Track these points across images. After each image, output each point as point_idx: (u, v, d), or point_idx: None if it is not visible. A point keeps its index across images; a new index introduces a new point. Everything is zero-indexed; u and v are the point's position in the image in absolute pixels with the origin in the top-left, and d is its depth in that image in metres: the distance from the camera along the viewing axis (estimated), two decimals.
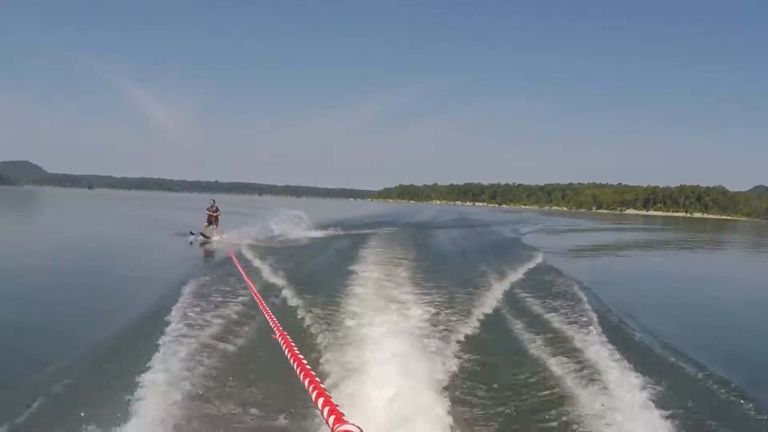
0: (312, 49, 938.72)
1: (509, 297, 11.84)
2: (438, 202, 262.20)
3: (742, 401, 6.54)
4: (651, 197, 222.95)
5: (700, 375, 7.34)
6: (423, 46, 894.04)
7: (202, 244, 22.76)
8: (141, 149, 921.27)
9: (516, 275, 14.97)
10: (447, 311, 9.89)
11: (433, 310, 9.81)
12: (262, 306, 6.08)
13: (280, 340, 4.17)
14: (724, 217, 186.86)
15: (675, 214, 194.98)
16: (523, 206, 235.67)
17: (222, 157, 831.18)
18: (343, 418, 2.61)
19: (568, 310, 10.53)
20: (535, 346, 8.11)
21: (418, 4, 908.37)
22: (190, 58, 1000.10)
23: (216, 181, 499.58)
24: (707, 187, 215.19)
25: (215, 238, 23.35)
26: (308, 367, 3.36)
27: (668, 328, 10.17)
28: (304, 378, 3.23)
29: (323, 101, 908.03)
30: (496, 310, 10.46)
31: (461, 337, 8.23)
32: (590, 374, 6.75)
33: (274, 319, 5.01)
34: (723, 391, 6.84)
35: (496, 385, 6.51)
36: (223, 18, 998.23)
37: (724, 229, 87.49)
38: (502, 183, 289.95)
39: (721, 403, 6.53)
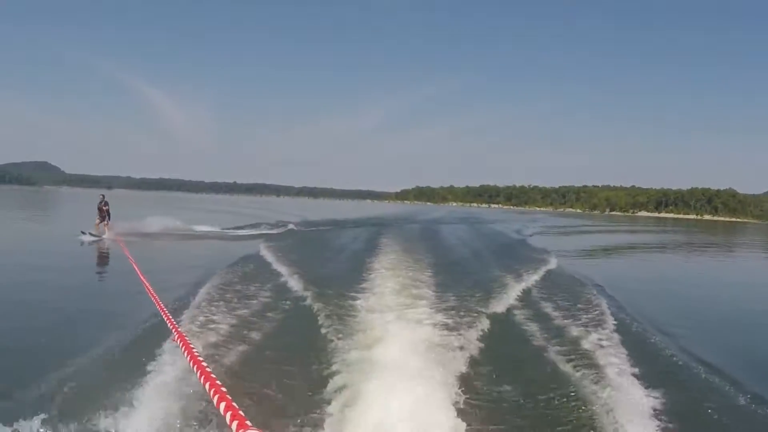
0: (326, 49, 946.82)
1: (520, 298, 11.61)
2: (454, 203, 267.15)
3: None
4: (662, 199, 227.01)
5: (717, 381, 7.12)
6: (438, 45, 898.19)
7: (93, 242, 21.54)
8: (160, 151, 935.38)
9: (527, 276, 14.71)
10: (454, 313, 9.56)
11: (440, 312, 9.53)
12: (160, 307, 5.69)
13: (178, 342, 3.90)
14: (733, 219, 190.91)
15: (686, 216, 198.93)
16: (537, 208, 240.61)
17: (240, 159, 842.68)
18: (247, 422, 2.53)
19: (581, 313, 10.33)
20: (547, 350, 7.99)
21: (431, 6, 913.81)
22: (205, 60, 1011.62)
23: (234, 182, 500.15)
24: (717, 190, 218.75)
25: (105, 235, 22.47)
26: (208, 370, 3.18)
27: (685, 332, 10.05)
28: (205, 381, 3.01)
29: (337, 102, 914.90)
30: (506, 312, 10.30)
31: (470, 341, 7.97)
32: (602, 379, 6.60)
33: (172, 320, 4.79)
34: (741, 398, 6.61)
35: (506, 390, 6.40)
36: (238, 20, 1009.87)
37: (734, 231, 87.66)
38: (518, 185, 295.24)
39: (739, 412, 6.28)
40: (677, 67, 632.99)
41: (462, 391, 6.12)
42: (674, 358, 8.08)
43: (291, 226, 34.80)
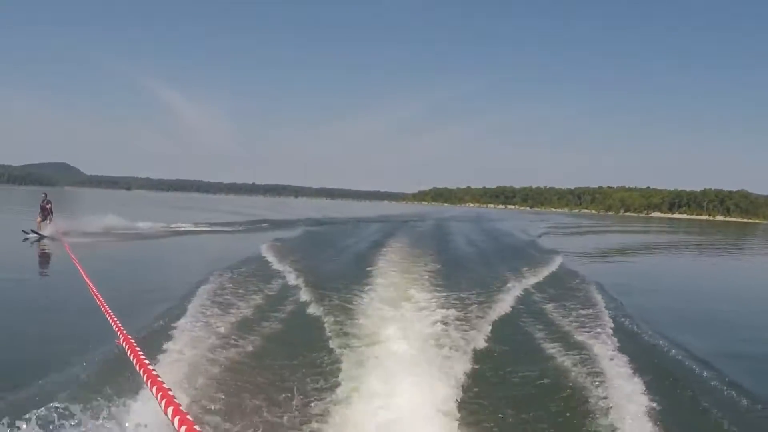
0: (344, 49, 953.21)
1: (524, 298, 11.73)
2: (471, 204, 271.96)
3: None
4: (676, 200, 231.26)
5: (718, 382, 7.11)
6: (457, 46, 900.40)
7: (36, 241, 21.63)
8: (178, 152, 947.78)
9: (531, 276, 14.79)
10: (458, 312, 9.64)
11: (444, 311, 9.61)
12: (104, 308, 5.64)
13: (124, 345, 3.87)
14: (745, 220, 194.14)
15: (699, 217, 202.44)
16: (553, 209, 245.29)
17: (259, 161, 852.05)
18: (195, 427, 2.49)
19: (586, 315, 10.27)
20: (548, 350, 8.04)
21: (450, 6, 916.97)
22: (222, 60, 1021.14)
23: (253, 184, 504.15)
24: (730, 191, 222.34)
25: (47, 233, 22.47)
26: (155, 373, 3.15)
27: (687, 333, 10.08)
28: (152, 386, 3.00)
29: (356, 103, 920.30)
30: (509, 311, 10.33)
31: (472, 340, 8.03)
32: (603, 380, 6.62)
33: (118, 323, 4.76)
34: (742, 398, 6.60)
35: (508, 390, 6.48)
36: (255, 20, 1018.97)
37: (744, 232, 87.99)
38: (534, 186, 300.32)
39: (739, 413, 6.25)
40: (693, 68, 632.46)
41: (464, 390, 6.16)
42: (675, 359, 8.13)
43: (301, 225, 37.61)
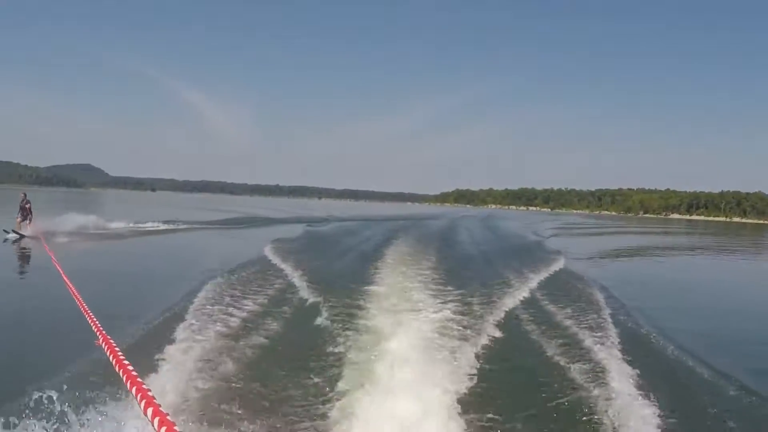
0: (367, 50, 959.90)
1: (528, 300, 11.68)
2: (493, 206, 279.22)
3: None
4: (694, 202, 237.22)
5: (721, 383, 7.17)
6: (478, 48, 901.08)
7: (16, 240, 21.79)
8: (203, 153, 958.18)
9: (536, 277, 14.77)
10: (462, 313, 9.58)
11: (447, 311, 9.54)
12: (83, 308, 5.56)
13: (104, 346, 3.90)
14: (762, 221, 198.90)
15: (716, 218, 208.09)
16: (573, 210, 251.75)
17: (283, 162, 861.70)
18: (175, 428, 2.51)
19: (588, 316, 10.27)
20: (551, 351, 8.07)
21: (471, 7, 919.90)
22: (247, 61, 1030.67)
23: (277, 185, 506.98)
24: (747, 193, 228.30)
25: (27, 233, 22.65)
26: (135, 374, 3.14)
27: (690, 336, 10.07)
28: (132, 386, 3.01)
29: (379, 104, 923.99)
30: (513, 313, 10.36)
31: (475, 341, 8.02)
32: (603, 382, 6.63)
33: (97, 323, 4.71)
34: (744, 399, 6.66)
35: (510, 391, 6.55)
36: (277, 20, 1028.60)
37: (761, 233, 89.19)
38: (555, 188, 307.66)
39: (741, 414, 6.29)
40: (712, 69, 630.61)
41: (468, 388, 6.26)
42: (677, 360, 8.24)
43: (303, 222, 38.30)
